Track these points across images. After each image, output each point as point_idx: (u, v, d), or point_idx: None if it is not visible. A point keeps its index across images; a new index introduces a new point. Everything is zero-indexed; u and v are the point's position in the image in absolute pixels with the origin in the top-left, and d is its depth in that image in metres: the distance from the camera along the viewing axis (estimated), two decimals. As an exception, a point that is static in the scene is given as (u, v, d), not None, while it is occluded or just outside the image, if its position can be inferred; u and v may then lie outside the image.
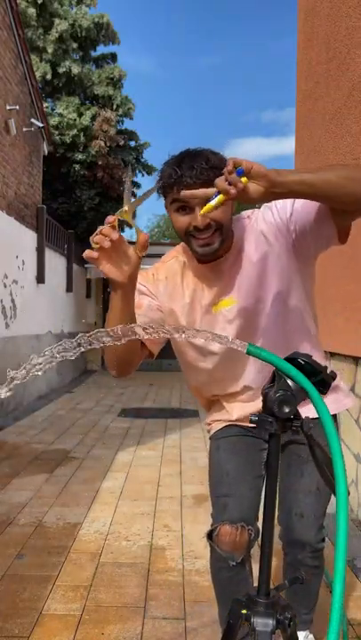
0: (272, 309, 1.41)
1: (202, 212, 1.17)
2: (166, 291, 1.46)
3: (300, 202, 1.32)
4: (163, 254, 1.56)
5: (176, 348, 1.54)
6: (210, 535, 1.51)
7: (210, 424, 1.65)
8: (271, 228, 1.37)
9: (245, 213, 1.45)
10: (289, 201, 1.34)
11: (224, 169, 1.06)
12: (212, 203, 1.10)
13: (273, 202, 1.36)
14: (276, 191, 1.10)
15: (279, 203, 1.36)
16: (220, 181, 1.06)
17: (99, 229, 1.05)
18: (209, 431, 1.66)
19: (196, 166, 1.23)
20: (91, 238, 1.06)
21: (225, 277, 1.41)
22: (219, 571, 1.58)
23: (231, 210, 1.33)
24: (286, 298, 1.42)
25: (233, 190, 1.04)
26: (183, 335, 0.94)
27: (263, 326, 1.42)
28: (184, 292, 1.45)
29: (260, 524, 1.22)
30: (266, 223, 1.38)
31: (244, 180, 1.06)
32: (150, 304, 1.44)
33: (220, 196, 1.08)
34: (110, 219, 1.05)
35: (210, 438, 1.65)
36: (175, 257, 1.51)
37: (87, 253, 1.07)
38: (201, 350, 1.47)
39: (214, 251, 1.33)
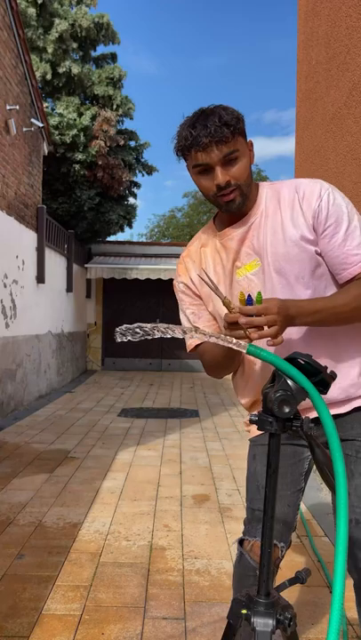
0: (307, 278, 1.37)
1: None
2: (198, 277, 1.49)
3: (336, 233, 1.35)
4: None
5: None
6: (241, 542, 1.49)
7: (249, 425, 1.59)
8: (304, 214, 1.36)
9: (268, 183, 1.46)
10: (326, 216, 1.35)
11: None
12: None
13: (323, 192, 1.36)
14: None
15: (318, 204, 1.35)
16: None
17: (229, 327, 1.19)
18: (248, 432, 1.61)
19: (210, 125, 1.25)
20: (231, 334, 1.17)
21: (247, 240, 1.40)
22: (243, 576, 1.50)
23: (250, 168, 1.35)
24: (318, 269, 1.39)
25: (254, 335, 1.16)
26: (195, 335, 0.95)
27: (300, 292, 1.38)
28: (210, 272, 1.46)
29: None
30: (303, 203, 1.36)
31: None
32: (198, 310, 1.51)
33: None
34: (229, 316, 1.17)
35: (248, 440, 1.60)
36: (198, 238, 1.54)
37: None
38: None
39: (238, 206, 1.34)
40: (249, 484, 1.55)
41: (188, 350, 1.53)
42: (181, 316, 1.56)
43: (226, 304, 1.17)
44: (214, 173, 1.29)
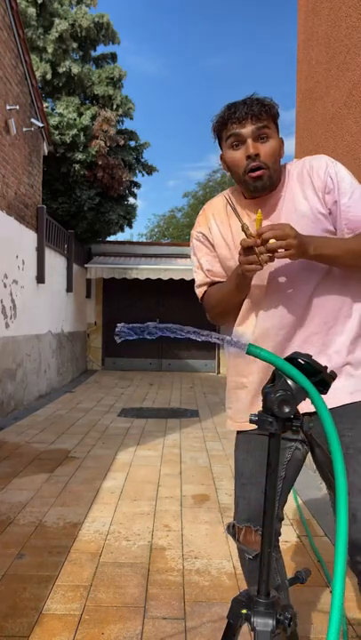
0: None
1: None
2: (217, 229, 1.56)
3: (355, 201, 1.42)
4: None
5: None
6: (229, 527, 1.58)
7: (231, 417, 1.62)
8: (320, 188, 1.44)
9: (294, 161, 1.55)
10: (347, 191, 1.42)
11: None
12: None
13: (330, 165, 1.45)
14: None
15: (336, 178, 1.43)
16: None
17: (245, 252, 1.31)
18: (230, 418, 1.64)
19: (248, 102, 1.40)
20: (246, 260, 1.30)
21: (272, 215, 1.46)
22: (243, 558, 1.59)
23: (280, 153, 1.45)
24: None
25: (264, 257, 1.27)
26: (202, 337, 0.95)
27: (309, 270, 1.44)
28: (231, 230, 1.52)
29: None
30: (319, 180, 1.44)
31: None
32: (213, 260, 1.59)
33: None
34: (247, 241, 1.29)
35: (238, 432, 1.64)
36: (221, 195, 1.60)
37: (252, 268, 1.31)
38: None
39: (265, 185, 1.43)
40: (235, 471, 1.62)
41: (200, 299, 1.66)
42: (195, 270, 1.64)
43: (244, 229, 1.28)
44: (245, 145, 1.40)
